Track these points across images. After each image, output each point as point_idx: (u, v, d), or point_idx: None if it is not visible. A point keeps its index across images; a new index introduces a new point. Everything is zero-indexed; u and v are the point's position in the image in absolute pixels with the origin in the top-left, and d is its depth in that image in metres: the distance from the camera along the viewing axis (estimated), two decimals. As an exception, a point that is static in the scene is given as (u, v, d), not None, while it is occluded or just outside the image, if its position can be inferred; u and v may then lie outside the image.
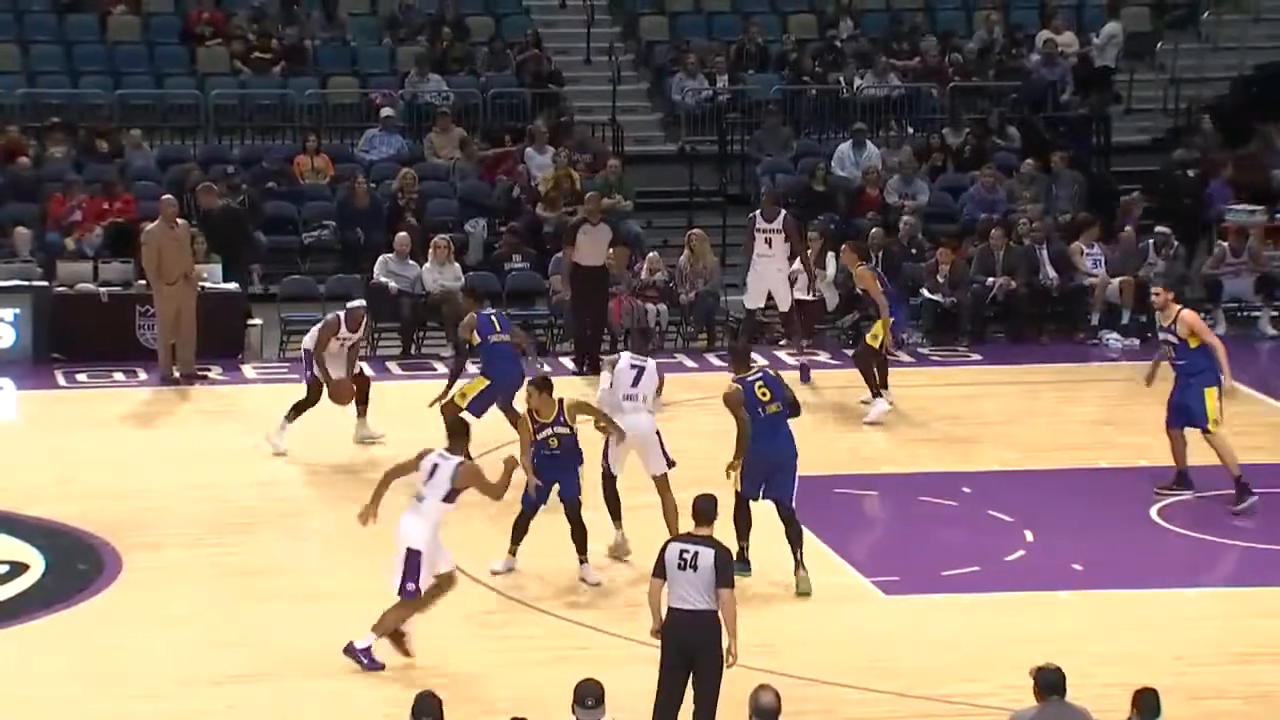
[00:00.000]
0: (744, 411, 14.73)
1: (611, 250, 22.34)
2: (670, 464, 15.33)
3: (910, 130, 26.13)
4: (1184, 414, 16.38)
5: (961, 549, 15.68)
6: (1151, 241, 23.15)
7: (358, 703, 12.71)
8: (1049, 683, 10.53)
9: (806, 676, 12.97)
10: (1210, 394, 16.23)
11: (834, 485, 17.43)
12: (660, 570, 11.72)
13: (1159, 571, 15.49)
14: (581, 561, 14.92)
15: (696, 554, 11.61)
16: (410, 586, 13.10)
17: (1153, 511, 16.52)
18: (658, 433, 15.45)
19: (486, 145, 25.49)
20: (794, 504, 14.85)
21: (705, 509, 11.90)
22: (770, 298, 20.83)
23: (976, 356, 22.11)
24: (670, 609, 11.69)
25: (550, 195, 23.98)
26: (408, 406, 20.25)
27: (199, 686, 13.00)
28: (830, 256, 22.53)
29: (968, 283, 22.69)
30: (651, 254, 23.14)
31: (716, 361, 21.95)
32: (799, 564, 14.72)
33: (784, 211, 20.89)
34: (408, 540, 13.21)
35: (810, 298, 21.89)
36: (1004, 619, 14.30)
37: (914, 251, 23.36)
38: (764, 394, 14.91)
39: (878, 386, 19.00)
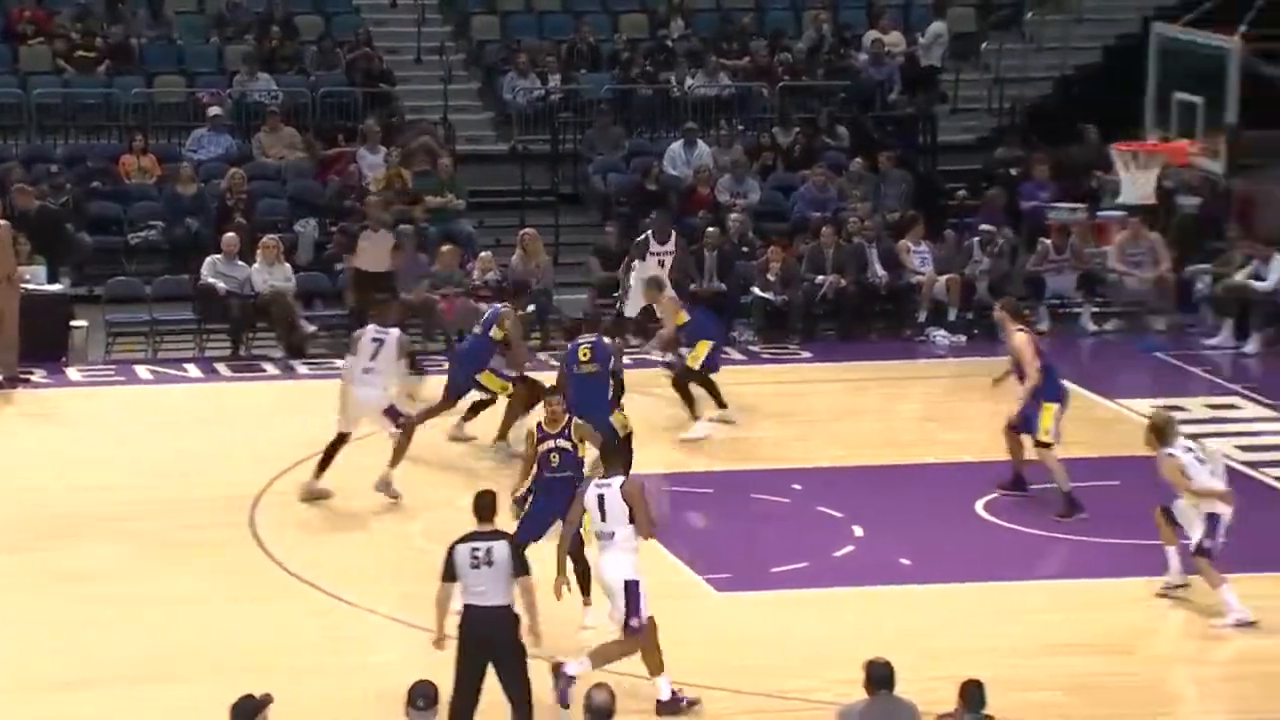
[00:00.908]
0: (563, 369, 16.09)
1: (446, 249, 22.36)
2: (398, 427, 16.51)
3: (741, 129, 26.27)
4: (1025, 421, 16.57)
5: (792, 545, 15.83)
6: (977, 240, 23.48)
7: (185, 707, 12.57)
8: (878, 677, 10.67)
9: (641, 675, 13.02)
10: (1049, 409, 16.41)
11: (667, 484, 17.51)
12: (450, 573, 11.76)
13: (984, 565, 15.72)
14: (585, 604, 13.85)
15: (490, 549, 11.71)
16: (634, 623, 12.52)
17: (978, 506, 16.77)
18: (391, 407, 16.46)
19: (322, 145, 25.31)
20: None
21: (487, 505, 12.00)
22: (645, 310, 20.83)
23: (807, 354, 22.31)
24: (467, 606, 11.76)
25: (382, 195, 23.86)
26: (239, 408, 20.10)
27: (27, 693, 12.81)
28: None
29: (798, 281, 22.89)
30: (484, 253, 23.09)
31: (550, 360, 21.96)
32: None
33: (674, 232, 21.34)
34: (622, 574, 12.53)
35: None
36: (834, 614, 14.46)
37: (745, 250, 23.52)
38: (584, 354, 16.08)
39: (695, 410, 18.90)
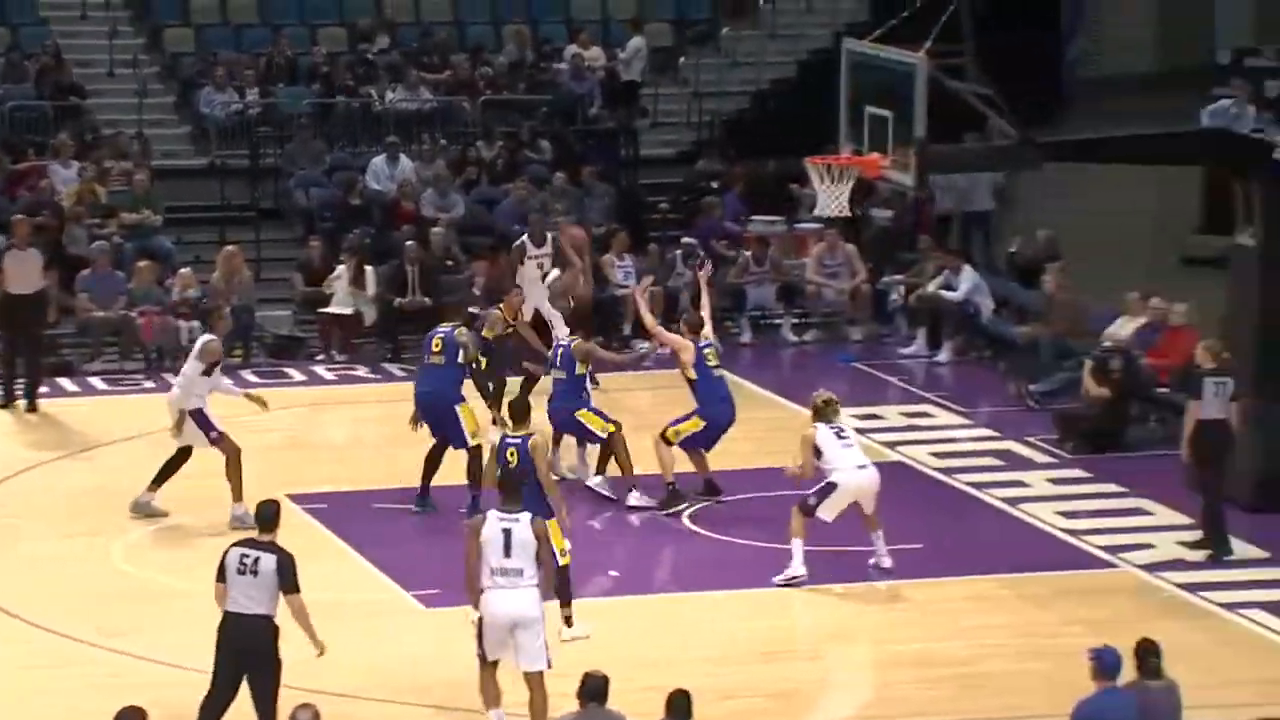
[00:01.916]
0: None
1: (143, 265, 21.92)
2: (211, 442, 16.46)
3: (444, 143, 26.25)
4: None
5: (500, 560, 15.80)
6: (679, 253, 23.76)
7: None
8: (592, 689, 10.75)
9: (347, 693, 12.92)
10: (693, 422, 17.05)
11: (372, 500, 17.42)
12: (223, 575, 11.75)
13: (690, 575, 15.93)
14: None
15: (258, 559, 11.69)
16: (550, 658, 12.22)
17: (684, 517, 16.97)
18: (199, 413, 16.47)
19: (10, 159, 24.64)
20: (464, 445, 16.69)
21: (267, 514, 11.91)
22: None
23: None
24: (226, 613, 11.71)
25: (75, 210, 23.33)
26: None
27: None
28: (370, 272, 22.52)
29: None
30: (183, 270, 22.72)
31: (252, 378, 21.69)
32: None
33: (551, 235, 21.38)
34: (538, 609, 12.14)
35: (348, 312, 22.08)
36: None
37: (450, 264, 23.48)
38: (436, 345, 17.04)
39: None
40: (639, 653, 13.90)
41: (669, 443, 17.02)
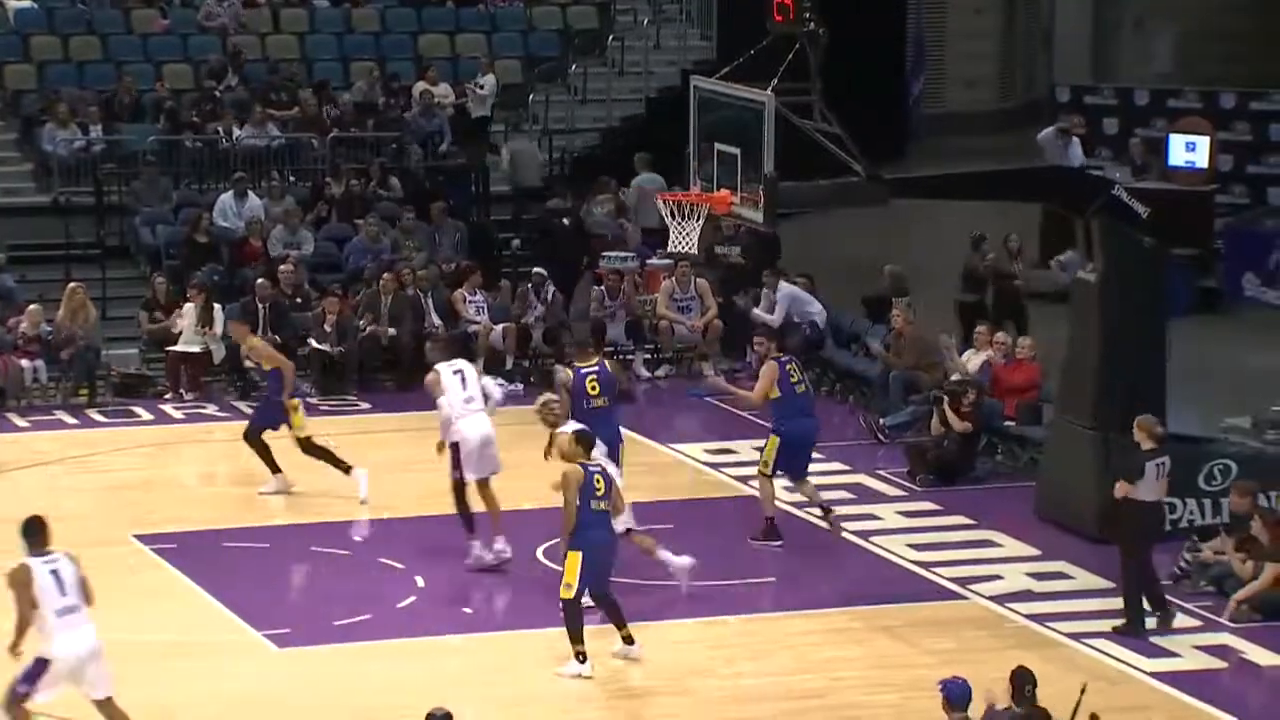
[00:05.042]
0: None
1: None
2: None
3: (292, 180, 26.09)
4: None
5: (354, 597, 15.77)
6: (530, 286, 23.77)
7: None
8: (439, 729, 10.75)
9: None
10: (770, 442, 17.25)
11: (223, 539, 17.27)
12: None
13: (546, 611, 15.89)
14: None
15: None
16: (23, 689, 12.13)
17: (539, 552, 16.96)
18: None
19: None
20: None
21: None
22: None
23: (365, 405, 22.22)
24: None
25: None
26: None
27: None
28: (218, 310, 22.33)
29: (355, 331, 22.82)
30: (32, 306, 22.42)
31: (98, 418, 21.43)
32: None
33: None
34: (98, 641, 12.22)
35: (196, 350, 21.85)
36: (397, 665, 14.45)
37: (299, 301, 23.35)
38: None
39: (276, 465, 18.74)
40: (494, 690, 13.87)
41: (766, 475, 17.23)
